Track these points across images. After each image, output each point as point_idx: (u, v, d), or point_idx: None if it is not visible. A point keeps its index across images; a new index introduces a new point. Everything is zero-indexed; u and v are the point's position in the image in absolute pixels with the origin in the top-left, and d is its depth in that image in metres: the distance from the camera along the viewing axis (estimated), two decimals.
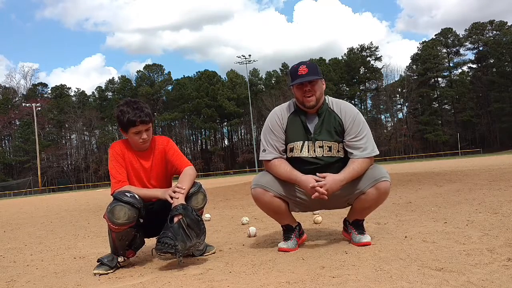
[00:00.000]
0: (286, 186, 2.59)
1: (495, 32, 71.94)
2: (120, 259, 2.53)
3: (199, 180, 2.66)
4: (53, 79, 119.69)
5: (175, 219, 2.32)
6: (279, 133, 2.64)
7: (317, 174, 2.48)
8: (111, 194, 2.54)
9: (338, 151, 2.61)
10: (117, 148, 2.61)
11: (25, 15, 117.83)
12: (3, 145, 73.28)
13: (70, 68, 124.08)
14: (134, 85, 76.54)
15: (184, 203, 2.40)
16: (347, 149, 2.60)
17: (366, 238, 2.57)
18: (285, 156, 2.64)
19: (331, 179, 2.44)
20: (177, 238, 2.27)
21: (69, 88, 77.72)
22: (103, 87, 78.17)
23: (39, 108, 58.61)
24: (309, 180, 2.45)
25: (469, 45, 73.58)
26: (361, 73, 75.53)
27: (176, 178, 2.68)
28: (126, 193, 2.41)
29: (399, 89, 72.99)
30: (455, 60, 74.75)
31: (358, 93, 76.91)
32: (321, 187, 2.41)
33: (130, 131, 2.52)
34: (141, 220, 2.49)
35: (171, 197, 2.43)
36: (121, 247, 2.52)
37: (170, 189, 2.50)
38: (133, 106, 2.52)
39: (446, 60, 74.12)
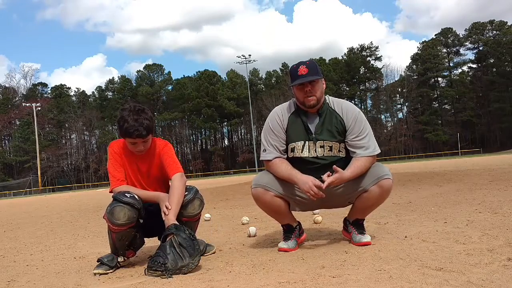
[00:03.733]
0: (286, 186, 2.59)
1: (495, 32, 71.93)
2: (120, 259, 2.53)
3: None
4: (55, 79, 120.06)
5: (167, 239, 2.28)
6: (280, 133, 2.64)
7: (322, 177, 2.44)
8: (110, 191, 2.55)
9: (339, 151, 2.61)
10: (116, 147, 2.60)
11: (26, 16, 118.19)
12: (3, 145, 73.29)
13: (71, 68, 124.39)
14: (134, 84, 76.55)
15: (176, 223, 2.34)
16: (349, 148, 2.60)
17: (366, 238, 2.57)
18: (285, 156, 2.64)
19: (338, 176, 2.42)
20: (167, 256, 2.20)
21: (69, 88, 77.80)
22: (103, 87, 78.24)
23: (39, 108, 58.57)
24: (307, 181, 2.44)
25: (469, 45, 73.62)
26: (361, 73, 75.52)
27: None
28: (126, 194, 2.40)
29: (399, 89, 73.00)
30: (455, 60, 74.81)
31: (358, 93, 76.90)
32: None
33: (127, 140, 2.51)
34: (141, 221, 2.48)
35: (164, 212, 2.39)
36: (121, 247, 2.52)
37: (166, 200, 2.45)
38: (134, 117, 2.43)
39: (446, 60, 74.10)
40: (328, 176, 2.42)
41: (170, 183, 2.54)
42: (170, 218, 2.35)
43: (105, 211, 2.42)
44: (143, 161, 2.60)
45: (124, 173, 2.57)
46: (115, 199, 2.40)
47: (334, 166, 2.45)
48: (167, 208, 2.39)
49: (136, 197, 2.41)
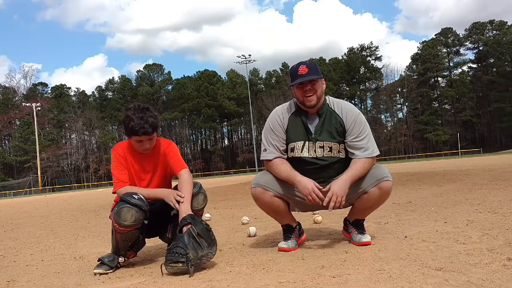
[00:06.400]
0: (286, 186, 2.59)
1: (495, 31, 71.92)
2: (121, 259, 2.54)
3: (199, 180, 2.66)
4: (56, 80, 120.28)
5: (184, 229, 2.26)
6: (280, 133, 2.64)
7: (320, 189, 2.44)
8: (113, 192, 2.55)
9: (338, 152, 2.60)
10: (120, 150, 2.61)
11: (27, 16, 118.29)
12: (3, 145, 73.26)
13: (72, 69, 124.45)
14: (134, 84, 76.57)
15: (192, 213, 2.35)
16: (348, 149, 2.60)
17: (366, 238, 2.57)
18: (285, 156, 2.64)
19: (337, 187, 2.41)
20: (188, 247, 2.18)
21: (69, 88, 77.85)
22: (103, 86, 78.28)
23: (39, 108, 58.54)
24: (307, 185, 2.44)
25: (469, 45, 73.63)
26: (361, 73, 75.51)
27: (176, 179, 2.68)
28: (134, 195, 2.40)
29: (399, 89, 72.96)
30: (455, 60, 74.78)
31: (358, 92, 76.90)
32: (331, 199, 2.39)
33: (133, 138, 2.52)
34: (146, 222, 2.48)
35: (177, 202, 2.40)
36: (124, 248, 2.52)
37: (174, 192, 2.46)
38: (139, 115, 2.46)
39: (446, 60, 74.08)
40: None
41: (178, 177, 2.55)
42: (185, 208, 2.36)
43: (112, 211, 2.42)
44: (149, 160, 2.62)
45: (128, 175, 2.57)
46: (122, 200, 2.39)
47: (322, 189, 2.44)
48: (180, 196, 2.39)
49: (144, 198, 2.42)
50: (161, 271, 2.23)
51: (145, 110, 2.51)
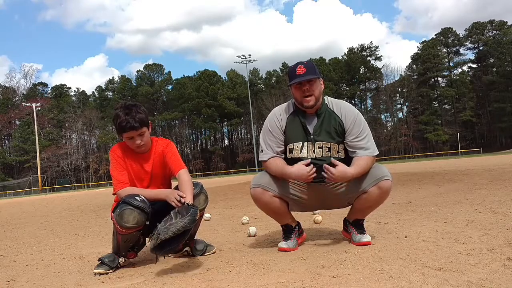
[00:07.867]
0: (285, 186, 2.59)
1: (495, 31, 71.93)
2: (121, 259, 2.53)
3: (199, 180, 2.66)
4: (56, 80, 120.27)
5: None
6: (278, 134, 2.64)
7: (332, 160, 2.45)
8: (114, 193, 2.55)
9: (338, 152, 2.60)
10: (118, 151, 2.61)
11: (27, 17, 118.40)
12: (3, 145, 73.27)
13: (73, 69, 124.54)
14: (134, 84, 76.59)
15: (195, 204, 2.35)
16: (349, 149, 2.60)
17: (366, 238, 2.57)
18: (283, 157, 2.64)
19: (342, 170, 2.41)
20: (162, 222, 2.22)
21: (69, 88, 77.91)
22: (103, 86, 78.30)
23: (39, 108, 58.58)
24: (300, 168, 2.46)
25: (469, 45, 73.68)
26: (361, 73, 75.52)
27: (175, 179, 2.68)
28: (136, 197, 2.39)
29: (399, 89, 73.00)
30: (455, 60, 74.84)
31: (358, 92, 76.90)
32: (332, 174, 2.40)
33: (123, 136, 2.52)
34: (147, 223, 2.47)
35: (178, 201, 2.37)
36: (125, 248, 2.52)
37: (175, 192, 2.44)
38: (125, 111, 2.47)
39: (446, 60, 74.10)
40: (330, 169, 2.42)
41: (177, 178, 2.53)
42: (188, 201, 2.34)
43: (114, 212, 2.42)
44: (147, 160, 2.61)
45: (127, 175, 2.57)
46: (124, 201, 2.39)
47: (332, 159, 2.45)
48: (181, 196, 2.35)
49: (146, 200, 2.41)
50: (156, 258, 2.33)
51: (132, 106, 2.52)
